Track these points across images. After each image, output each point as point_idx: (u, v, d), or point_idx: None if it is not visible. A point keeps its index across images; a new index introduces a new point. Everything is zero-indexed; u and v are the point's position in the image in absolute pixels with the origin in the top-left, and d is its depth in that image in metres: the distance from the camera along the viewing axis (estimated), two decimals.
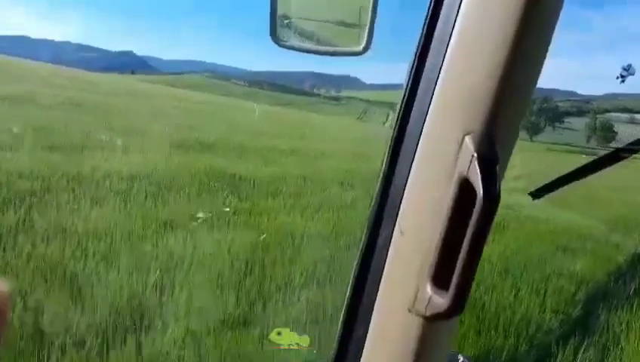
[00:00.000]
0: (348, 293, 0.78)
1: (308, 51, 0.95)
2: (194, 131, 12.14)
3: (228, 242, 4.87)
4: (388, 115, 36.67)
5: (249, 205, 6.45)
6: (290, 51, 0.92)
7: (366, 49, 0.87)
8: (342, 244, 5.26)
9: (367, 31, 0.85)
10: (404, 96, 0.70)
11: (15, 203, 5.03)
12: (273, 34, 0.90)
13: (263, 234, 5.24)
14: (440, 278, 0.62)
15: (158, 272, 3.96)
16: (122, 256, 4.22)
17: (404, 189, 0.68)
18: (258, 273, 4.21)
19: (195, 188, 6.88)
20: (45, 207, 5.11)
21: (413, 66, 0.70)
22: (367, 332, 0.74)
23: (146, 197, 6.22)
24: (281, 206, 6.67)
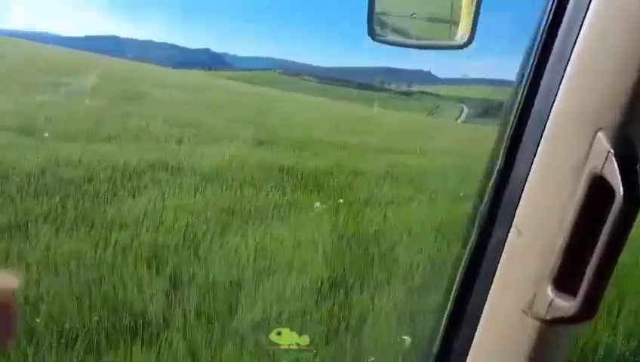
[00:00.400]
0: (454, 292, 0.76)
1: (408, 46, 0.93)
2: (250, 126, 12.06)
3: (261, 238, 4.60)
4: (462, 110, 35.33)
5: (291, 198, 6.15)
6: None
7: (469, 42, 0.83)
8: (383, 246, 4.80)
9: (468, 23, 0.81)
10: (525, 86, 0.67)
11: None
12: (371, 30, 0.87)
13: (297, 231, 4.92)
14: (563, 281, 0.60)
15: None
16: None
17: (522, 188, 0.65)
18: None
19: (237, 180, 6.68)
20: None
21: (536, 53, 0.65)
22: (474, 332, 0.73)
23: (188, 189, 6.13)
24: (324, 200, 6.29)
